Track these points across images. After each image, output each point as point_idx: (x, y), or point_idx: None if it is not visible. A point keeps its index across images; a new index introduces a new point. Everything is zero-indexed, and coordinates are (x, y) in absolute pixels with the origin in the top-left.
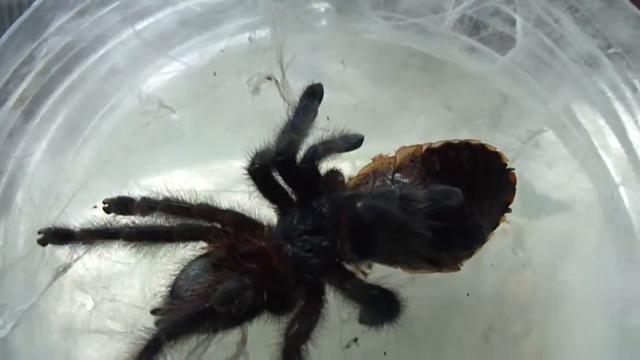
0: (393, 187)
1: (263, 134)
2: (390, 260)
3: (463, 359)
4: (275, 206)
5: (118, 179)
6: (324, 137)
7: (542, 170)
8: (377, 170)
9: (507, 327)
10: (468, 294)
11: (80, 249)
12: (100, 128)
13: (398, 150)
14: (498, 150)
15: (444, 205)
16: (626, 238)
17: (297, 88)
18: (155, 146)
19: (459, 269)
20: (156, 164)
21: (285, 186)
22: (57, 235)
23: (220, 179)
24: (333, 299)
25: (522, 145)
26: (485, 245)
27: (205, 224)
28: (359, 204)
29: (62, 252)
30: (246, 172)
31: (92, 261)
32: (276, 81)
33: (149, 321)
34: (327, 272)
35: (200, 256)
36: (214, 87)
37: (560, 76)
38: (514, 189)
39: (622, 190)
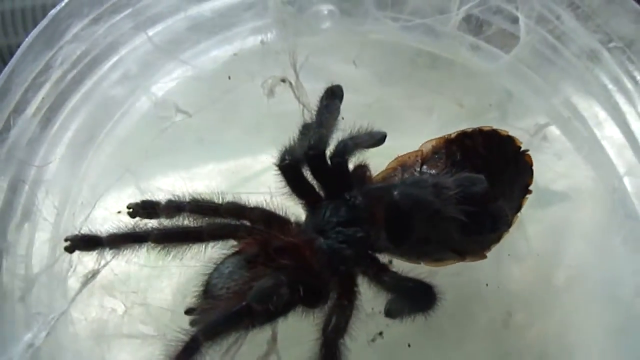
0: (423, 176)
1: (280, 136)
2: (419, 251)
3: (485, 348)
4: (304, 202)
5: (139, 184)
6: (351, 133)
7: (551, 162)
8: (404, 164)
9: (526, 314)
10: (487, 285)
11: (108, 255)
12: (116, 134)
13: (423, 144)
14: (510, 134)
15: (472, 191)
16: (632, 226)
17: (311, 90)
18: (174, 150)
19: (486, 256)
20: (176, 168)
21: (313, 182)
22: (84, 242)
23: (241, 181)
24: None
25: (530, 138)
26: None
27: (234, 222)
28: (395, 192)
29: (90, 259)
30: (276, 168)
31: (120, 266)
32: (290, 83)
33: (182, 323)
34: (361, 263)
35: (233, 254)
36: (228, 91)
37: (563, 71)
38: (531, 171)
39: (626, 180)
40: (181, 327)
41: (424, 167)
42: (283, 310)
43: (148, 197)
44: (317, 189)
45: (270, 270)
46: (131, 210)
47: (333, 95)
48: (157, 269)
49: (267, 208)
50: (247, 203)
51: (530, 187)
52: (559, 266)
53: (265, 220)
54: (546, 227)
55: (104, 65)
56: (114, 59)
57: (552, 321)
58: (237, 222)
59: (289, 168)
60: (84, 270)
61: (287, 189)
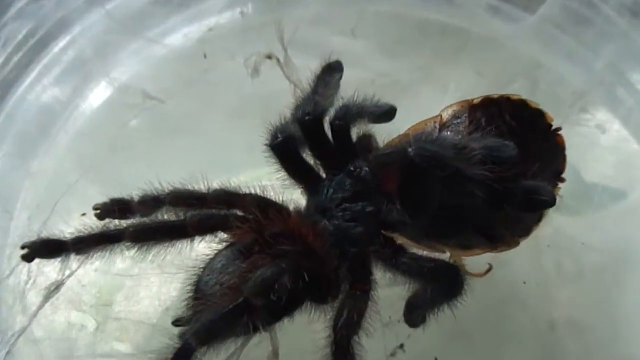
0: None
1: (268, 121)
2: (440, 230)
3: (528, 356)
4: (303, 185)
5: (105, 183)
6: (355, 99)
7: (594, 136)
8: (419, 131)
9: (573, 315)
10: (524, 282)
11: (74, 263)
12: (73, 126)
13: (443, 110)
14: (541, 107)
15: (500, 155)
16: None
17: (302, 67)
18: (145, 143)
19: (518, 243)
20: (148, 163)
21: (311, 161)
22: (46, 248)
23: (224, 176)
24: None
25: (568, 110)
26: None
27: (223, 211)
28: (409, 149)
29: (52, 268)
30: (268, 148)
31: (89, 276)
32: (278, 60)
33: (165, 339)
34: (374, 242)
35: (226, 247)
36: (205, 71)
37: (603, 31)
38: (563, 155)
39: None
40: (165, 342)
41: (443, 133)
42: (288, 307)
43: (117, 196)
44: (317, 169)
45: (269, 259)
46: (99, 211)
47: (331, 71)
48: (133, 278)
49: (262, 194)
50: (238, 189)
51: (564, 175)
52: (610, 256)
53: (260, 207)
54: (591, 211)
55: (54, 45)
56: (66, 38)
57: (606, 321)
58: (228, 212)
59: (282, 146)
60: (45, 281)
61: (282, 173)
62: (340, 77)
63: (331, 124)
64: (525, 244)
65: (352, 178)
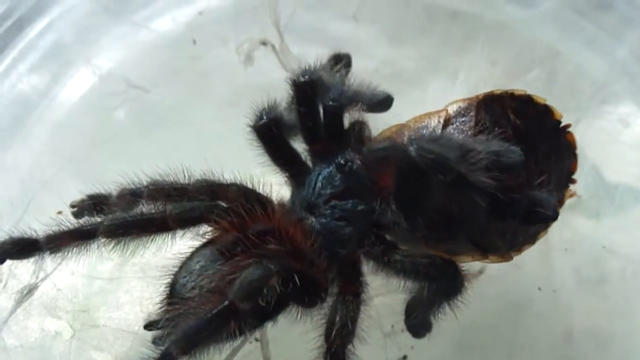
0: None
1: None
2: (433, 233)
3: None
4: (288, 173)
5: (85, 179)
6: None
7: (615, 130)
8: (421, 125)
9: (594, 322)
10: (540, 288)
11: (48, 265)
12: (51, 117)
13: (449, 104)
14: (548, 103)
15: (505, 161)
16: None
17: (299, 55)
18: (128, 135)
19: (512, 257)
20: (130, 157)
21: (298, 148)
22: (17, 247)
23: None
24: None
25: (587, 102)
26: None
27: (206, 203)
28: (411, 147)
29: (25, 270)
30: (251, 129)
31: (65, 279)
32: (273, 47)
33: (144, 349)
34: (365, 243)
35: (204, 244)
36: (194, 59)
37: (626, 16)
38: (574, 154)
39: None
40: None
41: (447, 130)
42: (272, 311)
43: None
44: (304, 157)
45: (254, 259)
46: (76, 209)
47: (338, 64)
48: (113, 281)
49: (247, 185)
50: (221, 179)
51: (574, 176)
52: (633, 261)
53: (246, 198)
54: (612, 212)
55: (30, 30)
56: (44, 21)
57: (628, 332)
58: (211, 203)
59: (267, 129)
60: (17, 285)
61: (266, 158)
62: (348, 71)
63: (323, 104)
64: (541, 247)
65: (343, 172)
